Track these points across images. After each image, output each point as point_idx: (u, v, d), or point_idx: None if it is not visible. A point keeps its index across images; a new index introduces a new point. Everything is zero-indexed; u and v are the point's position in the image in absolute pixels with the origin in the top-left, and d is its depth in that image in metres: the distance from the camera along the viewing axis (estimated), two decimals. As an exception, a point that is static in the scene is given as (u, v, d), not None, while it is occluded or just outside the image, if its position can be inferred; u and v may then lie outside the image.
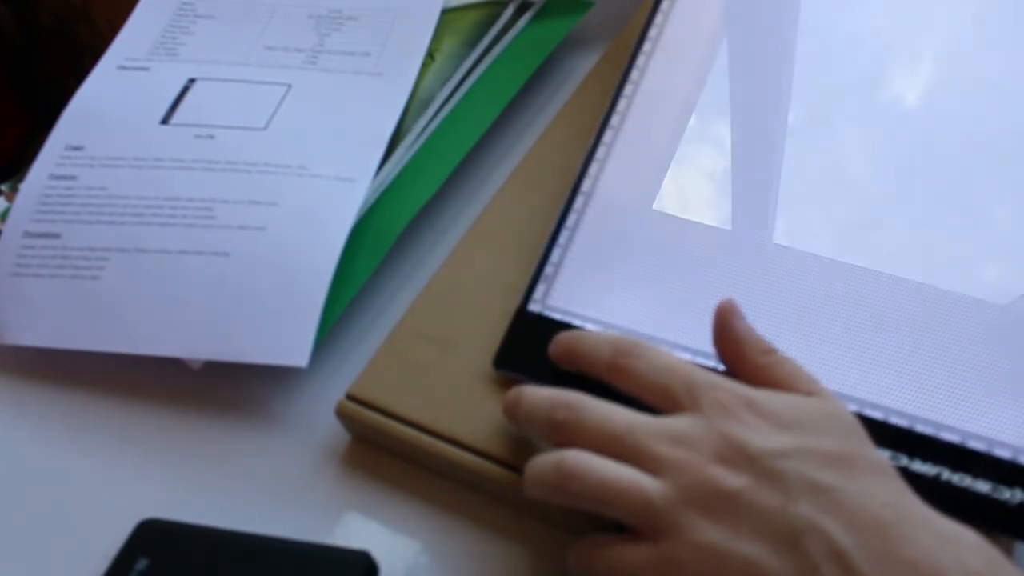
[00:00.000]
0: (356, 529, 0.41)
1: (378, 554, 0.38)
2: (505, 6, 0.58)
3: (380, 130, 0.51)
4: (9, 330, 0.46)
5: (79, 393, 0.46)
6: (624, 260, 0.43)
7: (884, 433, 0.36)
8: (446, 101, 0.54)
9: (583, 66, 0.57)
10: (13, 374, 0.47)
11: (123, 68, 0.55)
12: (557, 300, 0.42)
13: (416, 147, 0.52)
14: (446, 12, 0.58)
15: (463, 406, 0.40)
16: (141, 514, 0.40)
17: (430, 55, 0.56)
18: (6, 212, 0.50)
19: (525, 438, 0.39)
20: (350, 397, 0.42)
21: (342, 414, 0.42)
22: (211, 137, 0.51)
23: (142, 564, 0.38)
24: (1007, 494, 0.35)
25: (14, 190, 0.51)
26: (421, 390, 0.41)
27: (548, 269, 0.44)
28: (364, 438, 0.43)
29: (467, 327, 0.43)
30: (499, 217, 0.48)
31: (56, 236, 0.48)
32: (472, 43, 0.56)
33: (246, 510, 0.41)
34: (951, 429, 0.37)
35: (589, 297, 0.42)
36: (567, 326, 0.41)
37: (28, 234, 0.48)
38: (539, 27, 0.58)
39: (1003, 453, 0.36)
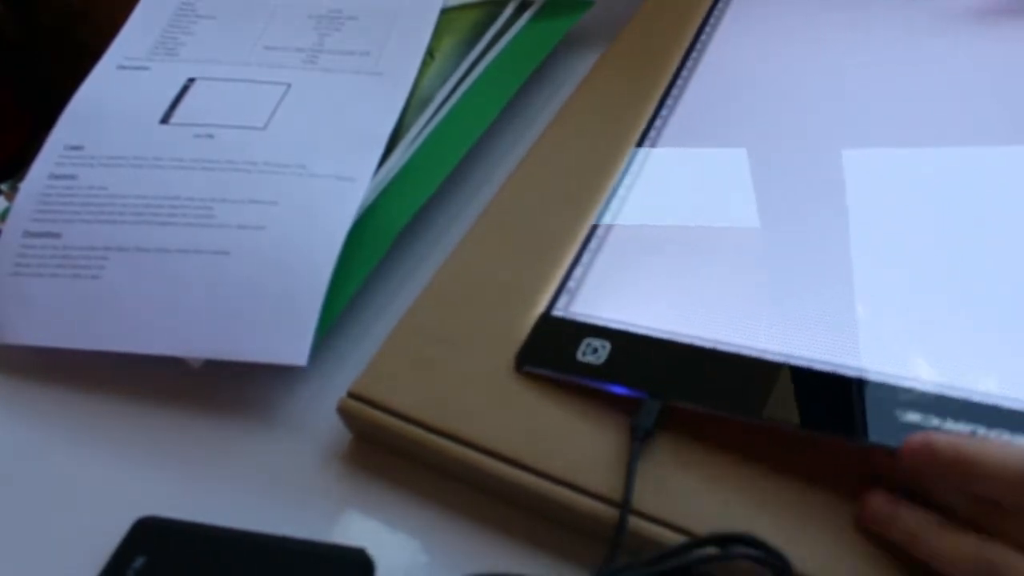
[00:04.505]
0: (357, 527, 0.41)
1: (378, 552, 0.38)
2: (505, 5, 0.58)
3: (379, 129, 0.51)
4: (9, 330, 0.46)
5: (79, 392, 0.46)
6: (652, 259, 0.44)
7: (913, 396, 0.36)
8: (446, 100, 0.54)
9: (583, 66, 0.57)
10: (13, 374, 0.47)
11: (123, 68, 0.55)
12: (584, 303, 0.43)
13: (416, 146, 0.52)
14: (446, 11, 0.58)
15: (465, 403, 0.41)
16: (141, 513, 0.40)
17: (430, 54, 0.56)
18: (6, 212, 0.50)
19: (527, 435, 0.39)
20: (352, 395, 0.42)
21: (344, 412, 0.42)
22: (211, 137, 0.51)
23: (139, 562, 0.38)
24: None
25: (14, 190, 0.51)
26: (423, 388, 0.42)
27: (576, 273, 0.44)
28: (366, 436, 0.43)
29: (469, 325, 0.43)
30: (499, 216, 0.48)
31: (56, 235, 0.48)
32: (472, 42, 0.56)
33: (247, 508, 0.41)
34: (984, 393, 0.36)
35: (615, 298, 0.42)
36: (595, 327, 0.42)
37: (28, 233, 0.48)
38: (539, 26, 0.58)
39: None
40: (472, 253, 0.47)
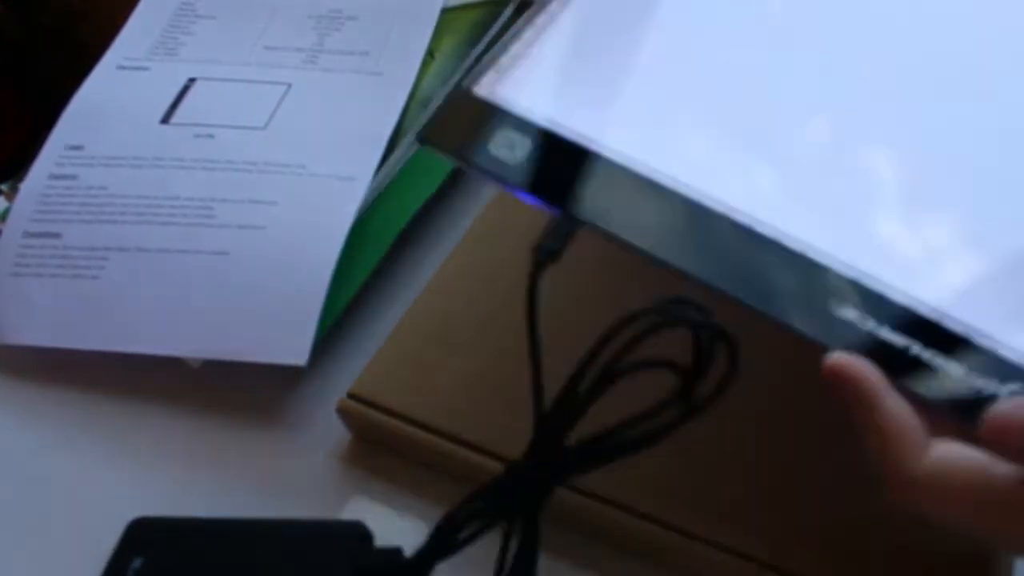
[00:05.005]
0: (356, 528, 0.41)
1: (378, 553, 0.38)
2: (505, 5, 0.58)
3: (380, 129, 0.51)
4: (9, 330, 0.46)
5: (79, 392, 0.46)
6: (592, 56, 0.37)
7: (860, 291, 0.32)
8: (446, 100, 0.54)
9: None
10: (13, 374, 0.47)
11: (123, 68, 0.55)
12: (511, 86, 0.36)
13: (416, 146, 0.52)
14: (446, 11, 0.58)
15: (465, 404, 0.41)
16: (141, 512, 0.40)
17: (430, 54, 0.56)
18: (6, 212, 0.50)
19: (527, 436, 0.39)
20: (352, 395, 0.42)
21: (343, 412, 0.42)
22: (211, 136, 0.51)
23: (137, 563, 0.38)
24: (980, 382, 0.30)
25: (14, 190, 0.51)
26: (423, 388, 0.41)
27: (510, 47, 0.37)
28: (366, 437, 0.43)
29: (469, 326, 0.43)
30: (500, 215, 0.48)
31: (56, 235, 0.48)
32: (472, 42, 0.56)
33: (247, 508, 0.41)
34: (933, 307, 0.31)
35: (548, 90, 0.36)
36: (517, 117, 0.36)
37: (28, 234, 0.48)
38: (539, 26, 0.58)
39: (984, 341, 0.31)
40: (472, 253, 0.46)
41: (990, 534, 0.27)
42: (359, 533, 0.37)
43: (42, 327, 0.46)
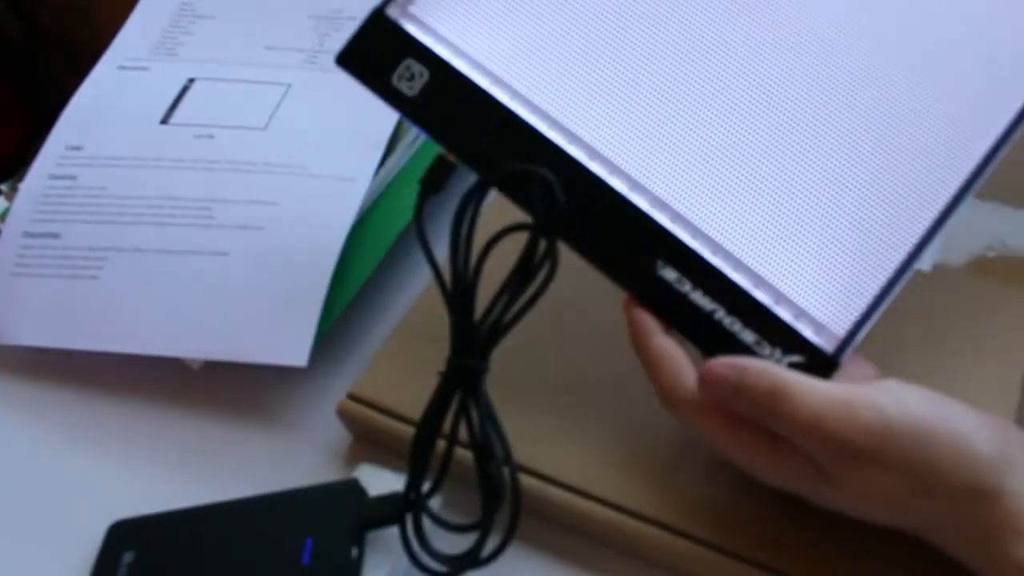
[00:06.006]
0: (356, 529, 0.41)
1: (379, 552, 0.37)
2: None
3: (380, 130, 0.51)
4: (9, 330, 0.46)
5: (78, 393, 0.46)
6: None
7: (682, 254, 0.35)
8: (446, 101, 0.54)
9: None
10: (13, 374, 0.47)
11: (123, 68, 0.55)
12: (422, 11, 0.37)
13: (416, 147, 0.52)
14: (446, 12, 0.58)
15: (463, 406, 0.40)
16: (140, 513, 0.40)
17: (430, 55, 0.55)
18: (6, 212, 0.50)
19: (526, 435, 0.39)
20: (352, 397, 0.42)
21: (344, 414, 0.42)
22: (211, 137, 0.51)
23: (128, 557, 0.38)
24: (767, 351, 0.34)
25: (14, 190, 0.51)
26: (423, 390, 0.41)
27: None
28: (366, 438, 0.43)
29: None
30: (500, 215, 0.48)
31: (56, 236, 0.48)
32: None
33: (246, 510, 0.41)
34: (749, 272, 0.34)
35: (466, 21, 0.37)
36: (421, 47, 0.36)
37: (28, 234, 0.48)
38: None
39: (784, 313, 0.34)
40: (472, 253, 0.46)
41: (741, 457, 0.34)
42: (353, 489, 0.37)
43: (42, 327, 0.46)
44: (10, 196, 0.51)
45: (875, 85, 0.35)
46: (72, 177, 0.50)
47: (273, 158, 0.49)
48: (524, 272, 0.33)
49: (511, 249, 0.33)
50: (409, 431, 0.40)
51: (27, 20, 1.03)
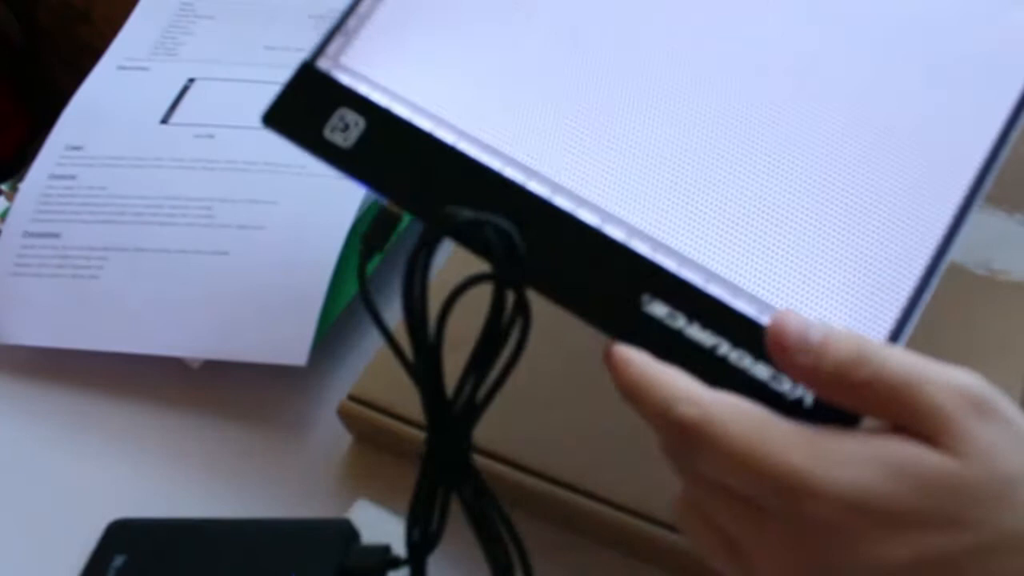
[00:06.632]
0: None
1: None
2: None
3: (380, 129, 0.51)
4: (9, 330, 0.46)
5: (78, 392, 0.46)
6: (449, 27, 0.35)
7: (670, 285, 0.30)
8: (446, 101, 0.54)
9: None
10: (13, 374, 0.47)
11: (123, 68, 0.55)
12: (355, 61, 0.35)
13: (416, 146, 0.52)
14: (446, 12, 0.58)
15: (463, 405, 0.40)
16: (139, 513, 0.40)
17: (430, 55, 0.55)
18: (6, 212, 0.50)
19: (526, 436, 0.39)
20: (352, 397, 0.42)
21: (344, 414, 0.42)
22: (211, 137, 0.51)
23: (119, 560, 0.38)
24: (786, 386, 0.28)
25: (14, 190, 0.51)
26: (421, 390, 0.41)
27: (351, 21, 0.35)
28: (366, 438, 0.43)
29: (468, 327, 0.43)
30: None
31: (56, 236, 0.48)
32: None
33: (246, 510, 0.41)
34: (751, 298, 0.30)
35: (402, 66, 0.34)
36: (355, 95, 0.34)
37: (28, 234, 0.48)
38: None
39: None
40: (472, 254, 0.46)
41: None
42: (345, 531, 0.37)
43: (42, 327, 0.46)
44: (10, 196, 0.51)
45: (863, 101, 0.32)
46: (72, 177, 0.50)
47: (273, 158, 0.49)
48: (494, 336, 0.30)
49: (481, 295, 0.30)
50: (409, 431, 0.40)
51: (27, 20, 1.02)
